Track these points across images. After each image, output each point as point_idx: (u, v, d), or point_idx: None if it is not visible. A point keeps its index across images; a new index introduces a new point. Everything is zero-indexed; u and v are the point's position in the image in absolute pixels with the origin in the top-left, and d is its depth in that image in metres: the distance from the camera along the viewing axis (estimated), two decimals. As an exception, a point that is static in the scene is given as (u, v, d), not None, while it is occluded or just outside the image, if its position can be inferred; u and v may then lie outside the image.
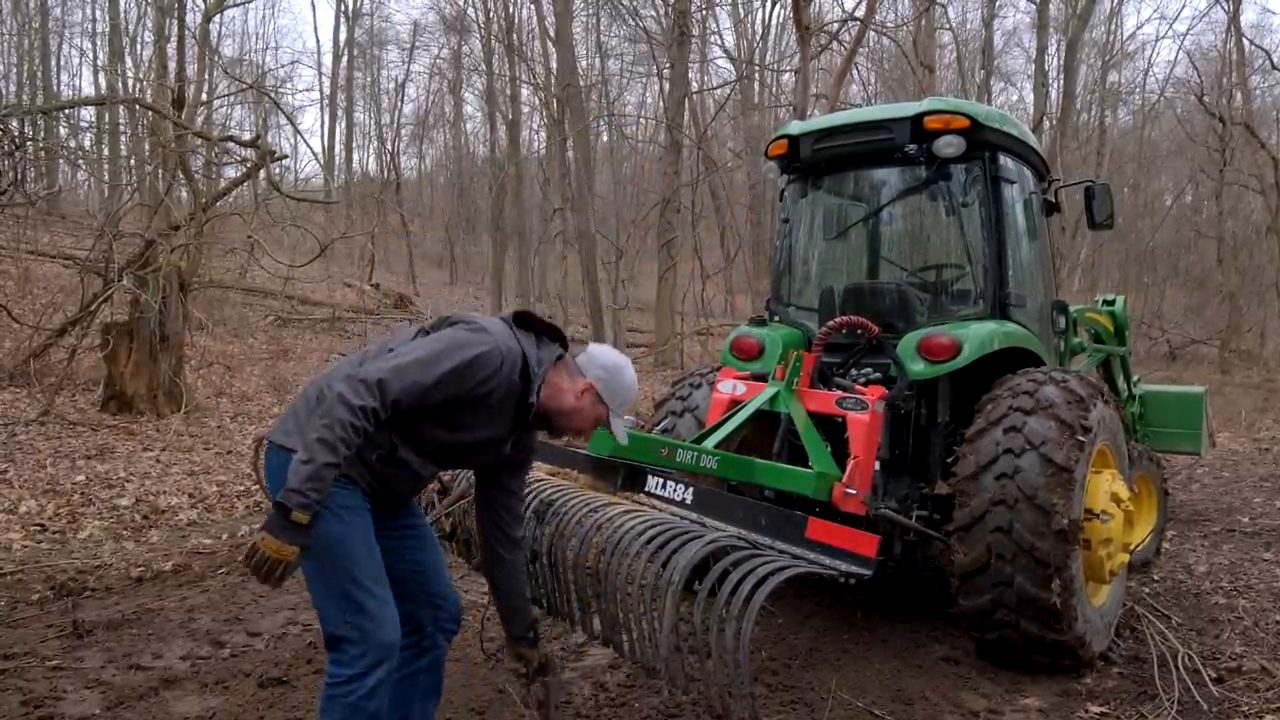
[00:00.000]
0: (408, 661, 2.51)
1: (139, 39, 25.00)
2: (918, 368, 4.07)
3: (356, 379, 2.16)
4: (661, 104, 24.07)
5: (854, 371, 4.38)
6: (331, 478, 2.13)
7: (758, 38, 28.13)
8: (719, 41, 30.82)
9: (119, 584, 4.83)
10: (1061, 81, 23.31)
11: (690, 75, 22.47)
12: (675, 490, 3.16)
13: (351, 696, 2.23)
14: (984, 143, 4.35)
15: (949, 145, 4.26)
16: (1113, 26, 30.26)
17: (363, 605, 2.25)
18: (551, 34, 22.49)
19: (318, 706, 2.33)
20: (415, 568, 2.57)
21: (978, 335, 4.07)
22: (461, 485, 3.51)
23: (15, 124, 8.87)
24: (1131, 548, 4.17)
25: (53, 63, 27.07)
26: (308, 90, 50.16)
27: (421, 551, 2.61)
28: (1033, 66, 24.56)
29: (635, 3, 23.57)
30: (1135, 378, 6.97)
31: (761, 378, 4.29)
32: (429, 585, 2.61)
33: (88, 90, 31.24)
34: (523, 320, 2.47)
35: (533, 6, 24.18)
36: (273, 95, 18.07)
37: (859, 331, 4.30)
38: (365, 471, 2.34)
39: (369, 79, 35.93)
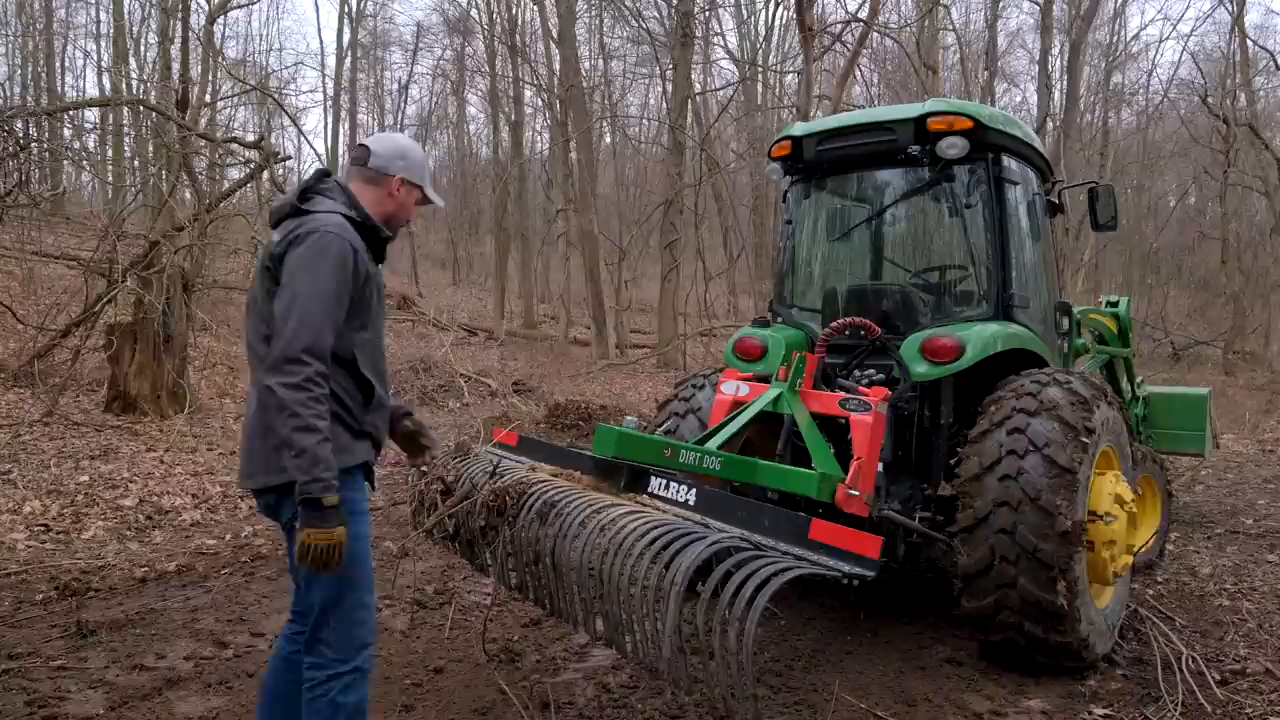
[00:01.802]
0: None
1: (143, 40, 25.06)
2: (921, 369, 4.07)
3: (280, 362, 2.16)
4: (664, 105, 24.08)
5: (857, 373, 4.38)
6: (329, 449, 2.17)
7: (761, 39, 28.17)
8: (722, 43, 30.86)
9: (123, 584, 4.84)
10: (1065, 83, 23.26)
11: (693, 76, 22.52)
12: (678, 491, 3.16)
13: (331, 693, 2.30)
14: (987, 144, 4.35)
15: (952, 146, 4.27)
16: (1116, 27, 30.26)
17: (368, 609, 2.38)
18: (554, 35, 22.52)
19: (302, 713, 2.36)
20: None
21: (981, 337, 4.07)
22: (464, 487, 3.51)
23: (20, 125, 8.89)
24: (1135, 549, 4.17)
25: (57, 64, 27.12)
26: (311, 91, 50.11)
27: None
28: (1036, 67, 24.55)
29: (638, 4, 23.60)
30: (1139, 379, 6.96)
31: (765, 379, 4.29)
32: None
33: (92, 92, 31.33)
34: (312, 188, 2.44)
35: (536, 8, 24.25)
36: (276, 96, 18.07)
37: (862, 333, 4.30)
38: (358, 436, 2.41)
39: (372, 80, 36.05)
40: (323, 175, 2.52)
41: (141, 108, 13.78)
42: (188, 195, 11.44)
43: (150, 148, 14.95)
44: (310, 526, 2.15)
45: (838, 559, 2.61)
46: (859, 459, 3.75)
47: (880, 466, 3.94)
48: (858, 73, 21.44)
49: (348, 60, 32.69)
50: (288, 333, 2.19)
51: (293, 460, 2.15)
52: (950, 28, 23.95)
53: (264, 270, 2.36)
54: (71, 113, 11.90)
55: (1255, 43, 25.36)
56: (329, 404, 2.24)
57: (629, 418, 4.03)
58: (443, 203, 2.84)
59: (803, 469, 3.52)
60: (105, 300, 8.99)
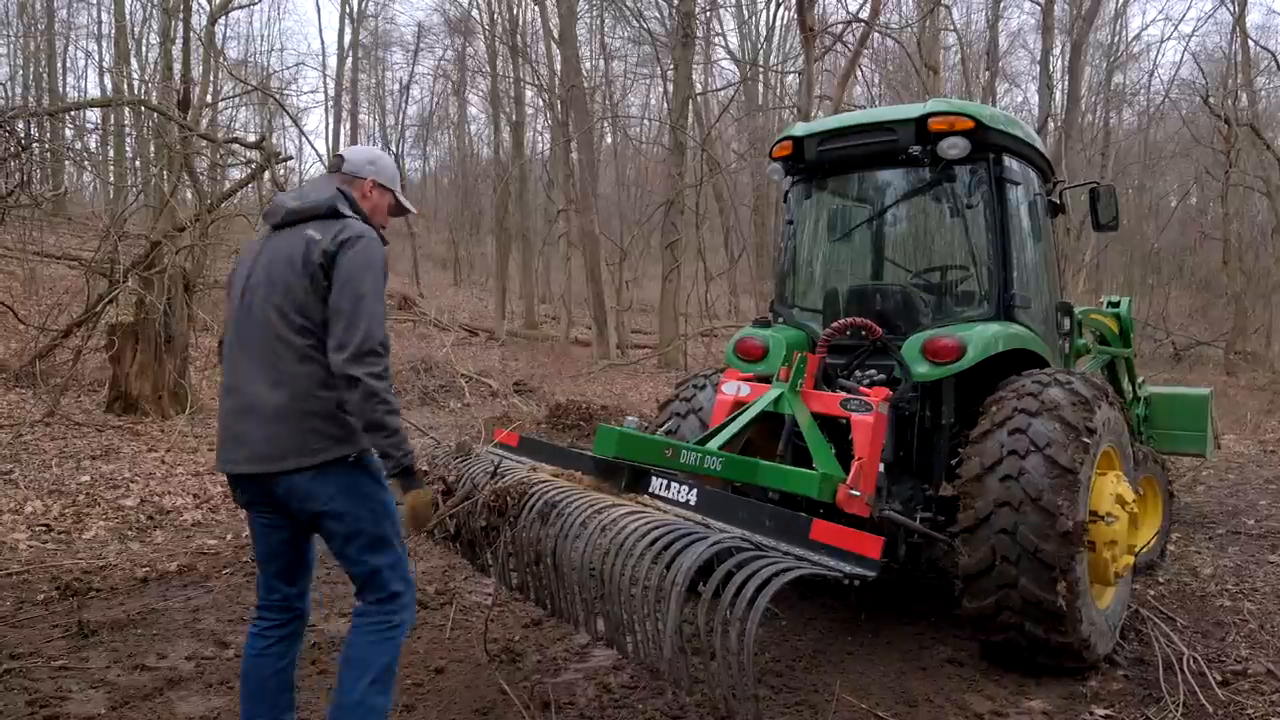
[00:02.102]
0: (289, 632, 2.76)
1: (145, 41, 25.09)
2: (922, 369, 4.07)
3: (364, 354, 2.40)
4: (665, 105, 24.09)
5: (858, 373, 4.38)
6: (401, 425, 2.49)
7: (762, 39, 28.18)
8: (723, 43, 30.86)
9: (124, 584, 4.84)
10: (1066, 83, 23.26)
11: (694, 77, 22.53)
12: (679, 492, 3.16)
13: (400, 635, 2.64)
14: (988, 144, 4.35)
15: (953, 147, 4.26)
16: (1118, 28, 30.28)
17: (405, 562, 2.68)
18: (555, 35, 22.52)
19: (362, 658, 2.57)
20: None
21: (982, 337, 4.07)
22: (465, 487, 3.52)
23: (21, 126, 8.89)
24: (1136, 550, 4.16)
25: (58, 65, 27.15)
26: (312, 92, 50.19)
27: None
28: (1037, 68, 24.55)
29: (639, 4, 23.62)
30: (1140, 379, 6.96)
31: (766, 379, 4.29)
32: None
33: (93, 92, 31.38)
34: (305, 206, 2.60)
35: (537, 8, 24.25)
36: (277, 97, 18.11)
37: (863, 333, 4.30)
38: None
39: (373, 80, 36.06)
40: (336, 185, 2.69)
41: (143, 108, 13.80)
42: (189, 195, 11.45)
43: (151, 148, 14.96)
44: (413, 489, 2.56)
45: (839, 559, 2.61)
46: (860, 459, 3.75)
47: (881, 467, 3.94)
48: (859, 73, 21.45)
49: (349, 61, 32.75)
50: (364, 329, 2.41)
51: (386, 440, 2.44)
52: (951, 28, 23.97)
53: (307, 264, 2.47)
54: (73, 113, 11.91)
55: (1257, 43, 25.41)
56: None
57: (630, 418, 4.03)
58: (414, 210, 2.99)
59: (804, 469, 3.51)
60: (107, 300, 9.00)
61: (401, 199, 2.86)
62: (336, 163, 2.81)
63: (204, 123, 15.22)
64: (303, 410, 2.46)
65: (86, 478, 6.78)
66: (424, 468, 3.41)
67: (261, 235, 2.72)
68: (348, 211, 2.60)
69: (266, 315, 2.51)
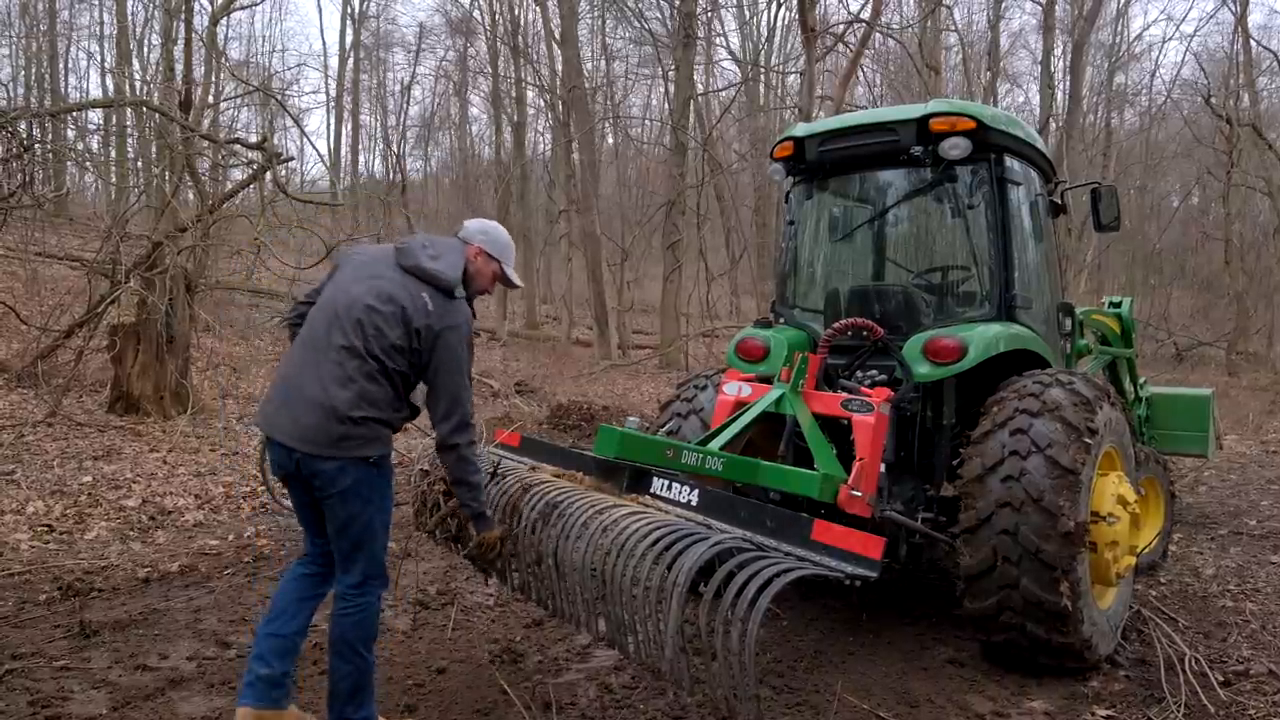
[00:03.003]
0: (323, 575, 3.11)
1: (146, 42, 25.12)
2: (923, 370, 4.07)
3: (463, 426, 2.94)
4: (667, 106, 24.09)
5: (859, 374, 4.38)
6: (483, 483, 3.12)
7: (763, 40, 28.15)
8: (724, 43, 30.81)
9: (126, 584, 4.85)
10: (1068, 83, 23.22)
11: (695, 77, 22.51)
12: (680, 492, 3.16)
13: (373, 607, 2.96)
14: (990, 144, 4.34)
15: (955, 147, 4.26)
16: (1119, 28, 30.27)
17: (387, 550, 3.01)
18: (557, 36, 22.52)
19: (344, 641, 2.90)
20: None
21: (983, 337, 4.06)
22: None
23: (23, 127, 8.89)
24: (1138, 550, 4.16)
25: (60, 65, 27.19)
26: (314, 92, 50.31)
27: None
28: (1039, 68, 24.53)
29: (640, 5, 23.62)
30: (1142, 380, 6.95)
31: (767, 380, 4.29)
32: None
33: (95, 93, 31.43)
34: (434, 272, 2.95)
35: (538, 9, 24.24)
36: (279, 97, 18.09)
37: (864, 333, 4.30)
38: (394, 432, 3.00)
39: (375, 81, 36.04)
40: (464, 253, 3.08)
41: (144, 109, 13.81)
42: (190, 196, 11.44)
43: (153, 149, 14.98)
44: (484, 530, 3.15)
45: (840, 560, 2.61)
46: (861, 460, 3.75)
47: (882, 467, 3.94)
48: (860, 73, 21.48)
49: (350, 61, 32.77)
50: (462, 408, 2.94)
51: (469, 493, 3.05)
52: (953, 28, 23.97)
53: (408, 323, 2.86)
54: (75, 114, 11.91)
55: (1259, 43, 25.37)
56: (389, 411, 2.92)
57: (631, 418, 4.04)
58: (520, 284, 3.43)
59: (805, 470, 3.52)
60: (108, 301, 9.00)
61: (508, 271, 3.23)
62: (460, 228, 3.23)
63: (206, 123, 15.24)
64: (351, 416, 2.81)
65: (88, 478, 6.78)
66: (425, 468, 3.52)
67: (385, 253, 3.03)
68: (461, 293, 2.99)
69: (356, 330, 2.86)
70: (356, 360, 2.83)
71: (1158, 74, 34.66)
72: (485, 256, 3.16)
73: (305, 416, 2.82)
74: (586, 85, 23.02)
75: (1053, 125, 22.68)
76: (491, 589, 4.80)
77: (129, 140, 20.16)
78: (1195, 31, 58.02)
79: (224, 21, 19.67)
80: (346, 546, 2.94)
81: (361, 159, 36.59)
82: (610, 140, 30.24)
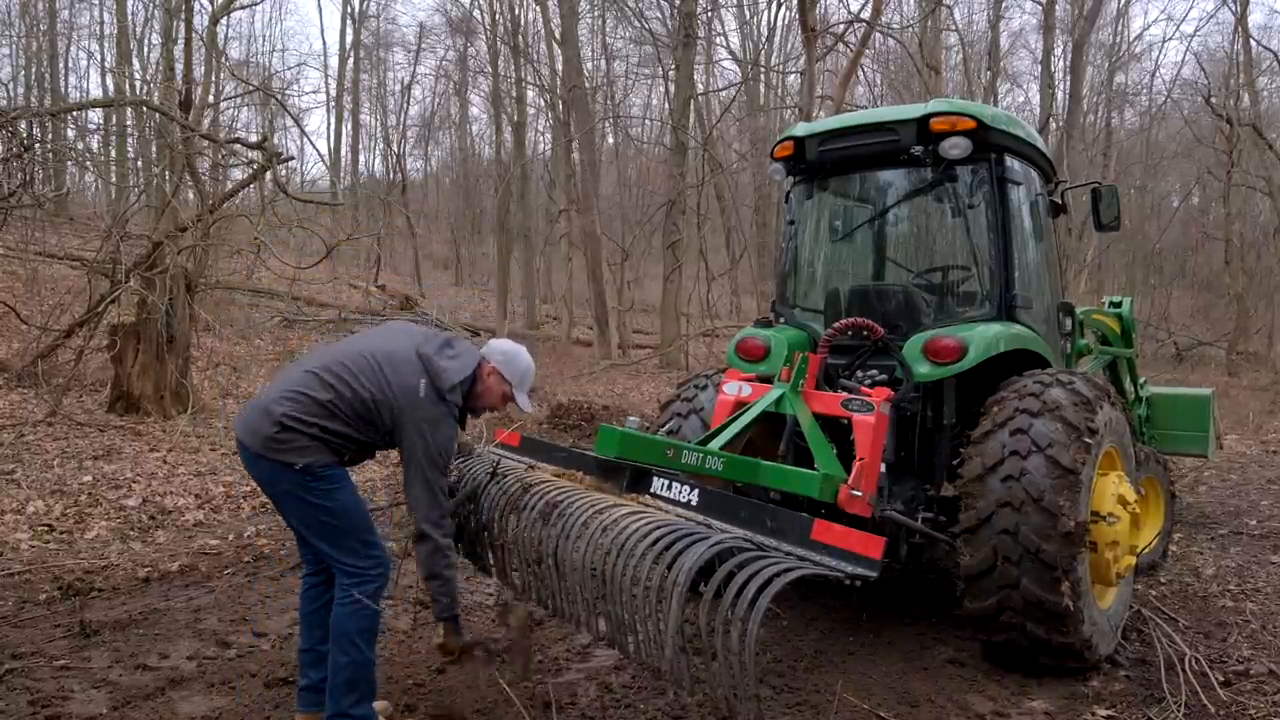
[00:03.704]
0: (325, 580, 3.17)
1: (146, 42, 25.13)
2: (923, 370, 4.07)
3: (437, 520, 3.02)
4: (667, 106, 24.10)
5: (860, 373, 4.38)
6: (453, 586, 3.15)
7: (763, 39, 28.15)
8: (724, 43, 30.83)
9: (126, 584, 4.85)
10: (1068, 83, 23.21)
11: (696, 77, 22.50)
12: (681, 492, 3.16)
13: (369, 608, 2.98)
14: (990, 144, 4.34)
15: (955, 147, 4.26)
16: (1119, 28, 30.27)
17: (374, 544, 3.04)
18: (557, 36, 22.52)
19: (342, 632, 2.96)
20: None
21: (984, 337, 4.06)
22: (468, 489, 3.52)
23: (23, 126, 8.89)
24: (1138, 550, 4.16)
25: (60, 65, 27.19)
26: (314, 92, 50.26)
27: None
28: (1039, 68, 24.53)
29: (641, 4, 23.61)
30: (1142, 380, 6.95)
31: (767, 379, 4.29)
32: None
33: (95, 92, 31.44)
34: (442, 369, 3.04)
35: (538, 8, 24.24)
36: (279, 97, 18.10)
37: (865, 333, 4.29)
38: (344, 457, 3.04)
39: (375, 81, 36.06)
40: (479, 363, 3.17)
41: (144, 109, 13.81)
42: (191, 196, 11.44)
43: (153, 148, 14.98)
44: (451, 636, 3.12)
45: (840, 560, 2.61)
46: (861, 459, 3.75)
47: (883, 467, 3.94)
48: (860, 73, 21.47)
49: (350, 61, 32.77)
50: (436, 498, 3.02)
51: (441, 588, 3.09)
52: (953, 28, 23.96)
53: (391, 402, 2.95)
54: (75, 113, 11.91)
55: (1259, 43, 25.35)
56: (327, 435, 2.95)
57: (631, 418, 4.03)
58: (530, 409, 3.41)
59: (805, 469, 3.52)
60: (108, 300, 9.00)
61: (518, 397, 3.26)
62: (484, 348, 3.29)
63: (206, 123, 15.23)
64: (281, 420, 2.90)
65: (88, 478, 6.79)
66: None
67: (419, 333, 3.16)
68: (455, 397, 3.04)
69: (342, 367, 2.98)
70: (315, 381, 2.95)
71: (1158, 74, 34.73)
72: (498, 377, 3.22)
73: (253, 416, 2.97)
74: (587, 85, 23.02)
75: (1053, 125, 22.68)
76: (491, 589, 4.80)
77: (129, 140, 20.17)
78: (1195, 31, 58.10)
79: (224, 21, 19.66)
80: (322, 547, 3.02)
81: (362, 159, 36.66)
82: (610, 140, 30.27)
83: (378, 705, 3.23)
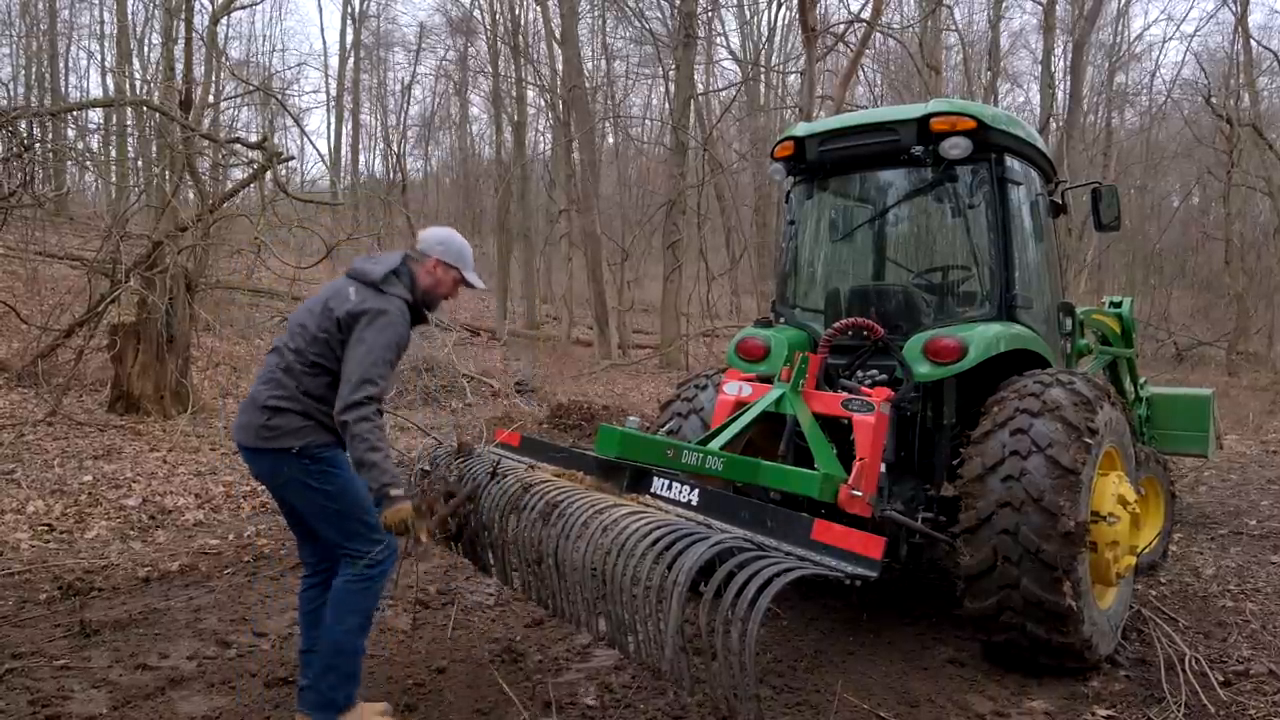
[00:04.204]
0: (323, 582, 3.22)
1: (147, 41, 25.12)
2: (924, 370, 4.07)
3: (352, 404, 2.89)
4: (667, 106, 24.10)
5: (860, 373, 4.38)
6: (388, 458, 2.96)
7: (763, 39, 28.13)
8: (725, 43, 30.80)
9: (126, 584, 4.85)
10: (1068, 83, 23.21)
11: (696, 77, 22.50)
12: (681, 492, 3.16)
13: (376, 585, 3.08)
14: (990, 144, 4.34)
15: (955, 147, 4.26)
16: (1120, 28, 30.26)
17: (377, 526, 3.05)
18: (557, 36, 22.52)
19: (340, 602, 3.04)
20: None
21: (984, 337, 4.06)
22: (468, 488, 3.52)
23: (23, 126, 8.90)
24: (1138, 550, 4.16)
25: (60, 65, 27.20)
26: (314, 92, 50.34)
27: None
28: (1039, 68, 24.52)
29: (641, 4, 23.60)
30: (1142, 380, 6.95)
31: (767, 379, 4.28)
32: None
33: (95, 92, 31.44)
34: (395, 271, 3.13)
35: (538, 8, 24.24)
36: (279, 97, 18.10)
37: (865, 333, 4.29)
38: (338, 432, 3.01)
39: (375, 81, 36.02)
40: (404, 258, 3.21)
41: (145, 108, 13.81)
42: (191, 195, 11.44)
43: (153, 148, 14.98)
44: (385, 510, 2.99)
45: (840, 560, 2.61)
46: (861, 459, 3.75)
47: (883, 467, 3.94)
48: (860, 73, 21.46)
49: (350, 61, 32.75)
50: (366, 382, 2.93)
51: (369, 474, 2.94)
52: (953, 28, 23.95)
53: (327, 313, 3.03)
54: (75, 113, 11.91)
55: (1259, 43, 25.35)
56: (308, 402, 3.01)
57: (631, 418, 4.03)
58: (482, 285, 3.47)
59: (805, 469, 3.52)
60: (109, 300, 9.00)
61: (468, 276, 3.33)
62: (415, 241, 3.35)
63: (206, 123, 15.23)
64: (266, 405, 3.00)
65: (88, 477, 6.79)
66: (425, 468, 3.62)
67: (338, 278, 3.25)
68: (390, 289, 3.09)
69: (289, 335, 3.10)
70: (277, 357, 3.08)
71: (1158, 74, 34.73)
72: (444, 266, 3.28)
73: (244, 415, 3.08)
74: (587, 85, 23.02)
75: (1053, 125, 22.68)
76: (492, 589, 4.80)
77: (129, 140, 20.16)
78: (1195, 31, 58.07)
79: (224, 21, 19.67)
80: (328, 534, 3.10)
81: (362, 158, 36.62)
82: (610, 140, 30.26)
83: (377, 706, 3.25)
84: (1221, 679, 3.80)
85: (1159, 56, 53.09)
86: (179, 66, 12.68)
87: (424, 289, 3.23)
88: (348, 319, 3.01)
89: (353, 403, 2.91)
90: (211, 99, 17.57)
